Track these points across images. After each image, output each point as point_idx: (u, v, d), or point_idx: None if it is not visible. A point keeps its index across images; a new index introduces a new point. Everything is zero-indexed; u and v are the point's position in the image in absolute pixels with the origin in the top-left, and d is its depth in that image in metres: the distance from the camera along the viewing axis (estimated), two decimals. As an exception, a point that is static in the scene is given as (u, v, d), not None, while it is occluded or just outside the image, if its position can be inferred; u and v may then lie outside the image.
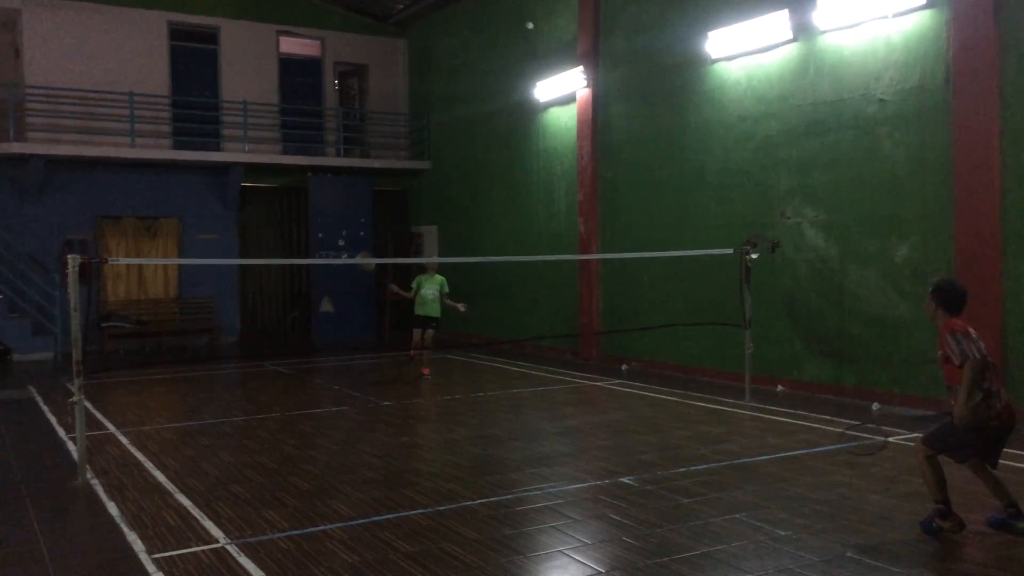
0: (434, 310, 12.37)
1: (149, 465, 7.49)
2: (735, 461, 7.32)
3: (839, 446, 7.36)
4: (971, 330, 5.13)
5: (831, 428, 8.56)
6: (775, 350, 11.00)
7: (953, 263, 9.08)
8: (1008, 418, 5.09)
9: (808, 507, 5.94)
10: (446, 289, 12.47)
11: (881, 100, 9.79)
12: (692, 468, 7.07)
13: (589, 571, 4.86)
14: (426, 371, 12.66)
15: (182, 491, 6.59)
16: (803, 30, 10.62)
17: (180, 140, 18.04)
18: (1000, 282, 8.71)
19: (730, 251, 10.38)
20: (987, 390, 5.01)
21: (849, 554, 5.01)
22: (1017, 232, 8.63)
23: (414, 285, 12.45)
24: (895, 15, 9.56)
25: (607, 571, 4.84)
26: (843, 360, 10.31)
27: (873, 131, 9.89)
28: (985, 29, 8.75)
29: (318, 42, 19.80)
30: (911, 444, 7.79)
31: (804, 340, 10.77)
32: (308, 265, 18.98)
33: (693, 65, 12.25)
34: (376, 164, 19.54)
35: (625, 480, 6.72)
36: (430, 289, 12.34)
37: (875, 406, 9.60)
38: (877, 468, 6.96)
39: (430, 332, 12.46)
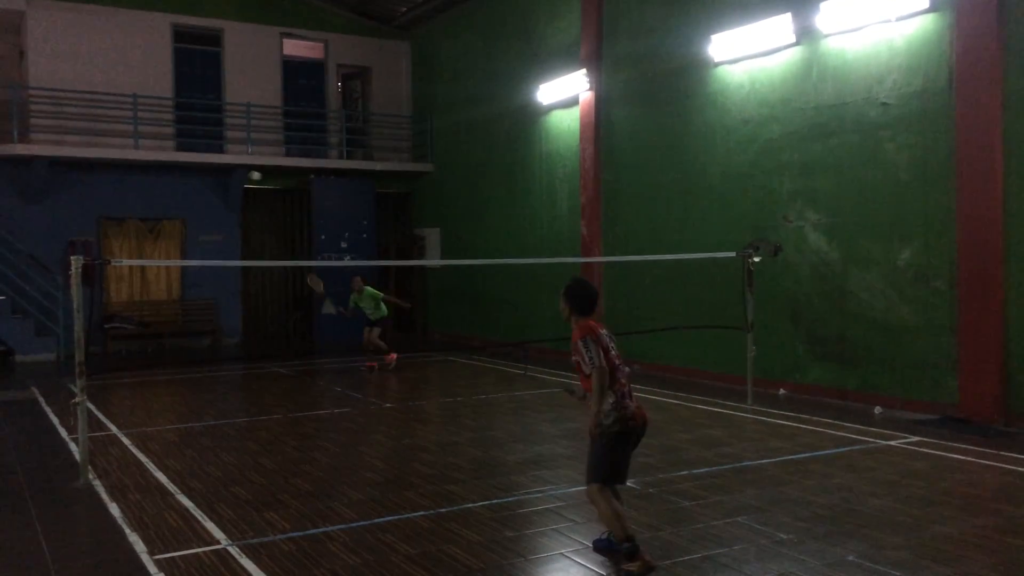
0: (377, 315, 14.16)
1: (151, 466, 7.49)
2: (737, 464, 7.32)
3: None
4: (603, 331, 5.02)
5: (834, 432, 8.56)
6: (777, 353, 10.99)
7: (955, 267, 9.08)
8: (642, 419, 5.01)
9: (810, 511, 5.93)
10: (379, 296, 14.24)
11: (884, 104, 9.79)
12: (694, 471, 7.07)
13: (590, 574, 4.85)
14: (372, 364, 14.02)
15: (184, 492, 6.60)
16: (806, 34, 10.62)
17: (183, 142, 18.06)
18: (1002, 286, 8.70)
19: (733, 254, 10.38)
20: (618, 391, 4.92)
21: (851, 558, 5.00)
22: (1020, 236, 8.62)
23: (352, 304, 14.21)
24: (898, 19, 9.56)
25: (608, 574, 4.84)
26: (845, 363, 10.30)
27: (876, 135, 9.89)
28: (989, 33, 8.75)
29: (321, 44, 19.82)
30: (913, 448, 7.81)
31: (806, 343, 10.76)
32: (310, 267, 18.97)
33: (696, 68, 12.25)
34: (379, 167, 19.56)
35: (627, 483, 6.70)
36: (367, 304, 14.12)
37: (877, 409, 9.59)
38: (879, 471, 6.97)
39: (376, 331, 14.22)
